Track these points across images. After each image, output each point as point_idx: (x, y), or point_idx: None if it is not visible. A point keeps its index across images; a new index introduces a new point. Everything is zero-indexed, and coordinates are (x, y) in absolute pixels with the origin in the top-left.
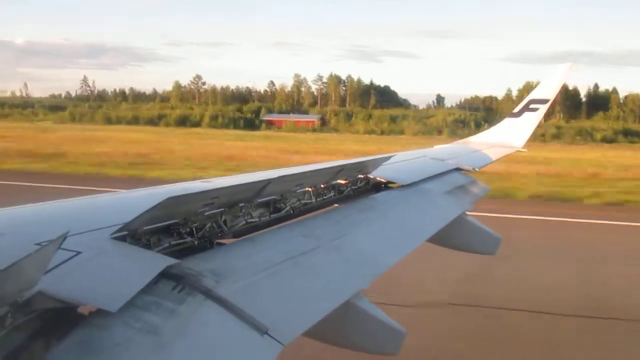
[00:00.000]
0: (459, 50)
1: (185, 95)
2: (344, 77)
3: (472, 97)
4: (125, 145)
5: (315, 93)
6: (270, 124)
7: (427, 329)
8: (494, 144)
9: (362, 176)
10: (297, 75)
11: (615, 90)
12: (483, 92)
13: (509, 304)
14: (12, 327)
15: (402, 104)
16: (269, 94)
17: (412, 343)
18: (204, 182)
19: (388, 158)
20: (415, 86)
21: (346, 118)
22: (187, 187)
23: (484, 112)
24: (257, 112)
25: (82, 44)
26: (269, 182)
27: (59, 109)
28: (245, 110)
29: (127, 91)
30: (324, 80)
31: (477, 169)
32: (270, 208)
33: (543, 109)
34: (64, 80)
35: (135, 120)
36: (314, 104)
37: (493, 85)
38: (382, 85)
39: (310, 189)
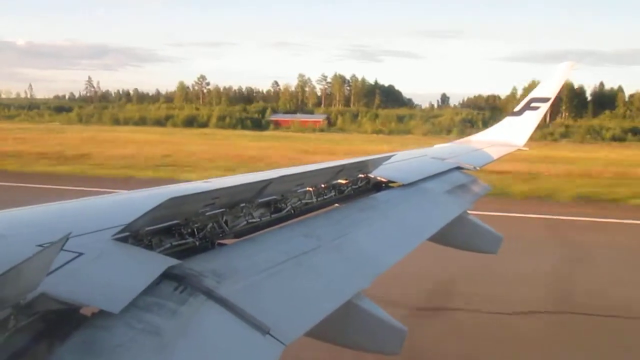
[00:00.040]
0: (459, 49)
1: (189, 95)
2: (347, 76)
3: (475, 97)
4: (144, 146)
5: (319, 93)
6: (276, 124)
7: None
8: (495, 142)
9: (362, 176)
10: (301, 75)
11: (620, 89)
12: (485, 91)
13: None
14: (15, 329)
15: (407, 103)
16: (273, 94)
17: None
18: (204, 183)
19: (388, 157)
20: (415, 86)
21: (352, 118)
22: (188, 187)
23: (490, 111)
24: (263, 113)
25: (83, 45)
26: (269, 182)
27: (64, 110)
28: (251, 111)
29: (130, 92)
30: (328, 80)
31: (478, 168)
32: (271, 208)
33: (544, 107)
34: (64, 82)
35: (142, 121)
36: (318, 104)
37: (495, 84)
38: (387, 84)
39: (310, 189)
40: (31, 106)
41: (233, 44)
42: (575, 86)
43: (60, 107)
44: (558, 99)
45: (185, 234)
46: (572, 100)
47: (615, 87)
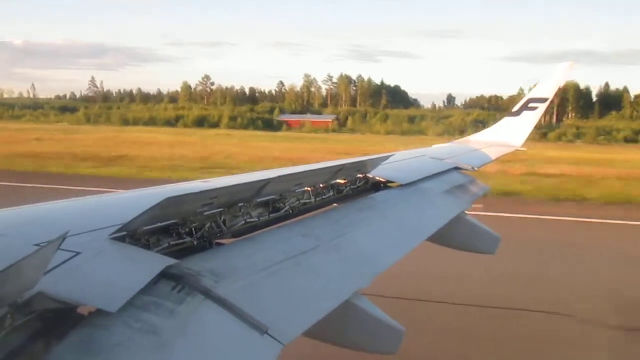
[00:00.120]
0: (459, 50)
1: (193, 95)
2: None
3: (477, 97)
4: (173, 147)
5: (325, 93)
6: (286, 125)
7: None
8: (493, 143)
9: (361, 176)
10: (307, 76)
11: (626, 90)
12: (486, 92)
13: None
14: (12, 327)
15: (413, 104)
16: (279, 94)
17: None
18: (203, 182)
19: (387, 158)
20: (416, 86)
21: (361, 119)
22: (186, 187)
23: (500, 112)
24: (271, 113)
25: (82, 44)
26: (268, 182)
27: (68, 110)
28: (259, 111)
29: (133, 92)
30: (334, 80)
31: (476, 169)
32: (270, 208)
33: (542, 108)
34: (63, 82)
35: (152, 122)
36: (324, 104)
37: (496, 84)
38: (393, 85)
39: (309, 189)
40: (35, 106)
41: (233, 44)
42: (582, 87)
43: (65, 107)
44: (565, 100)
45: (183, 234)
46: (578, 101)
47: (621, 87)
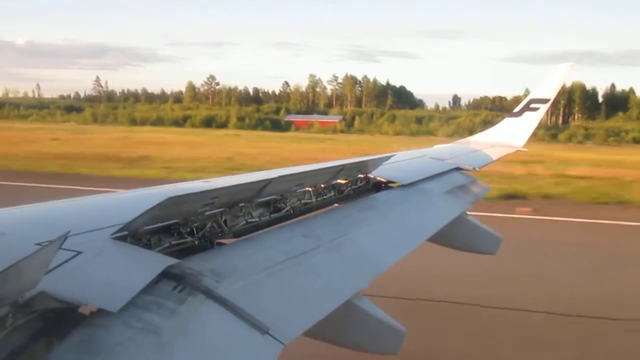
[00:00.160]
0: (460, 50)
1: (198, 95)
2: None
3: (481, 97)
4: (194, 148)
5: (330, 93)
6: (293, 126)
7: None
8: (494, 143)
9: (362, 176)
10: (312, 76)
11: (632, 90)
12: (486, 92)
13: None
14: (14, 327)
15: (418, 104)
16: (283, 94)
17: None
18: (204, 182)
19: (388, 158)
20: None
21: (368, 119)
22: (187, 187)
23: (506, 113)
24: (277, 113)
25: (83, 44)
26: (269, 182)
27: (74, 110)
28: (266, 111)
29: (138, 91)
30: (339, 80)
31: (477, 169)
32: (271, 208)
33: (543, 108)
34: (65, 81)
35: (160, 122)
36: (328, 104)
37: (497, 85)
38: (398, 85)
39: (310, 189)
40: (41, 106)
41: (233, 44)
42: (588, 88)
43: (71, 107)
44: (571, 101)
45: (185, 234)
46: (584, 102)
47: (626, 88)
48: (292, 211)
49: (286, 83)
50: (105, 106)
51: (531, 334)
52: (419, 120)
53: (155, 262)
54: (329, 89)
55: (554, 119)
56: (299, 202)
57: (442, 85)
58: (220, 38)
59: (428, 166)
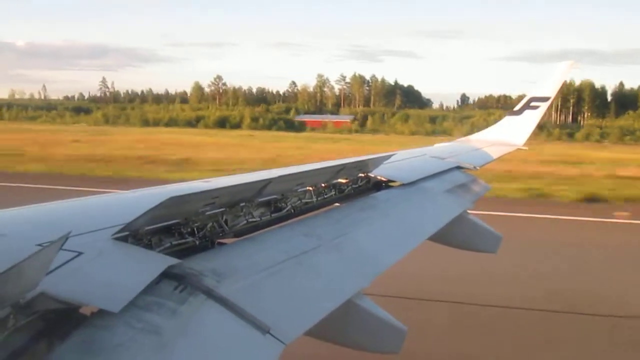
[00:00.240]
0: (461, 50)
1: (204, 96)
2: (361, 76)
3: (486, 97)
4: (224, 149)
5: (338, 93)
6: (305, 126)
7: None
8: (495, 142)
9: (362, 175)
10: (320, 76)
11: None
12: (487, 91)
13: None
14: (15, 328)
15: (426, 104)
16: (291, 94)
17: None
18: (204, 182)
19: (388, 157)
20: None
21: (380, 119)
22: (188, 187)
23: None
24: (287, 113)
25: (83, 45)
26: (269, 181)
27: (82, 111)
28: (276, 111)
29: (143, 92)
30: (347, 80)
31: (477, 168)
32: (271, 207)
33: (544, 106)
34: (66, 82)
35: (173, 122)
36: (337, 104)
37: (498, 84)
38: (406, 85)
39: (311, 188)
40: (48, 107)
41: (233, 44)
42: (597, 86)
43: (78, 108)
44: (580, 99)
45: (185, 234)
46: (594, 101)
47: (635, 86)
48: (292, 211)
49: (293, 83)
50: (114, 107)
51: None
52: (432, 120)
53: (156, 262)
54: (337, 88)
55: (563, 117)
56: (299, 202)
57: (443, 84)
58: (221, 38)
59: (428, 165)
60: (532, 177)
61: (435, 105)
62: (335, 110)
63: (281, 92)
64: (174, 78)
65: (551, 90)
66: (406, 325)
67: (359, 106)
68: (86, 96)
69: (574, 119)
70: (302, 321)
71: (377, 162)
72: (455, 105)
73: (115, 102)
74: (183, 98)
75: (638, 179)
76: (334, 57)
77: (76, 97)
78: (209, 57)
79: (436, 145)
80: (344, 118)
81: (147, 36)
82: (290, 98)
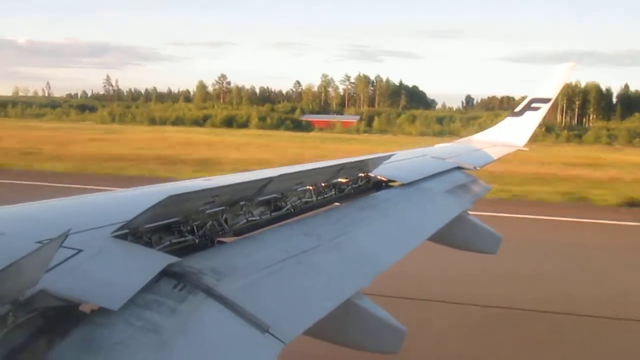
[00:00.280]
0: (461, 50)
1: (208, 95)
2: (365, 76)
3: (489, 97)
4: (241, 149)
5: (342, 93)
6: (311, 125)
7: None
8: (496, 142)
9: (362, 175)
10: (324, 75)
11: None
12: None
13: None
14: (14, 325)
15: (431, 104)
16: (295, 93)
17: None
18: (204, 181)
19: (389, 157)
20: (422, 85)
21: (387, 119)
22: (188, 185)
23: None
24: (292, 113)
25: (84, 43)
26: (269, 180)
27: (86, 109)
28: (281, 111)
29: (146, 90)
30: (352, 80)
31: (478, 168)
32: (271, 206)
33: (545, 108)
34: (66, 80)
35: (180, 121)
36: (341, 104)
37: (499, 84)
38: (411, 85)
39: (311, 188)
40: (53, 105)
41: (233, 44)
42: (603, 88)
43: (83, 106)
44: (585, 101)
45: (185, 232)
46: (599, 103)
47: (636, 88)
48: (292, 210)
49: (298, 83)
50: (118, 105)
51: None
52: (439, 121)
53: (156, 260)
54: (341, 88)
55: (568, 119)
56: (299, 201)
57: (445, 84)
58: (221, 38)
59: (429, 165)
60: (562, 181)
61: (438, 106)
62: (340, 110)
63: (284, 92)
64: (174, 77)
65: (552, 91)
66: (405, 325)
67: (363, 106)
68: (89, 94)
69: (579, 121)
70: (301, 320)
71: (377, 162)
72: (459, 106)
73: (119, 100)
74: (186, 97)
75: None
76: (334, 57)
77: (79, 94)
78: (210, 57)
79: (437, 146)
80: (350, 118)
81: (148, 35)
82: (294, 97)
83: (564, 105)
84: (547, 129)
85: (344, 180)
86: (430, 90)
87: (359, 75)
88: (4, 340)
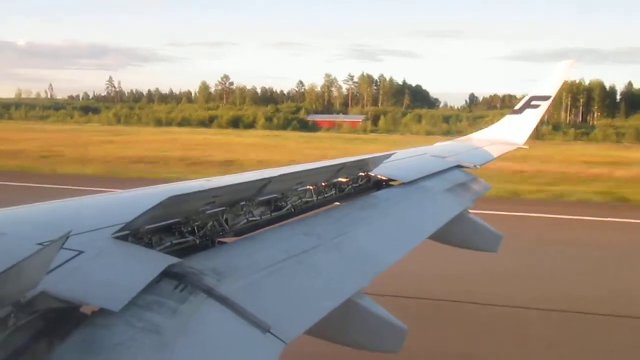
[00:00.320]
0: (461, 49)
1: (211, 95)
2: (369, 76)
3: (491, 96)
4: (256, 149)
5: (346, 93)
6: (316, 125)
7: None
8: (495, 140)
9: (362, 174)
10: (327, 75)
11: None
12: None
13: None
14: (15, 327)
15: (434, 103)
16: (298, 93)
17: None
18: (205, 181)
19: (389, 156)
20: (423, 84)
21: (392, 118)
22: (188, 185)
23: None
24: (296, 113)
25: (83, 44)
26: (269, 180)
27: (89, 111)
28: (285, 111)
29: (149, 91)
30: (355, 80)
31: (478, 166)
32: (272, 206)
33: (544, 105)
34: (64, 81)
35: (186, 122)
36: (344, 103)
37: (499, 83)
38: (414, 84)
39: (311, 187)
40: (56, 106)
41: (233, 44)
42: (607, 86)
43: (86, 108)
44: (590, 99)
45: (186, 232)
46: (604, 100)
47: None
48: (293, 210)
49: (300, 82)
50: (122, 107)
51: None
52: (445, 120)
53: (157, 261)
54: (345, 88)
55: (572, 117)
56: (299, 201)
57: (447, 83)
58: (221, 38)
59: (429, 164)
60: (594, 180)
61: (441, 105)
62: (344, 110)
63: (286, 92)
64: (174, 77)
65: (551, 89)
66: (406, 324)
67: (367, 106)
68: (91, 95)
69: (584, 119)
70: (302, 320)
71: (377, 161)
72: (462, 105)
73: (121, 102)
74: (188, 97)
75: None
76: (334, 57)
77: (81, 96)
78: (209, 57)
79: (436, 144)
80: (356, 118)
81: (147, 36)
82: (297, 97)
83: (569, 103)
84: (554, 127)
85: (344, 180)
86: (432, 89)
87: (362, 74)
88: (5, 342)
